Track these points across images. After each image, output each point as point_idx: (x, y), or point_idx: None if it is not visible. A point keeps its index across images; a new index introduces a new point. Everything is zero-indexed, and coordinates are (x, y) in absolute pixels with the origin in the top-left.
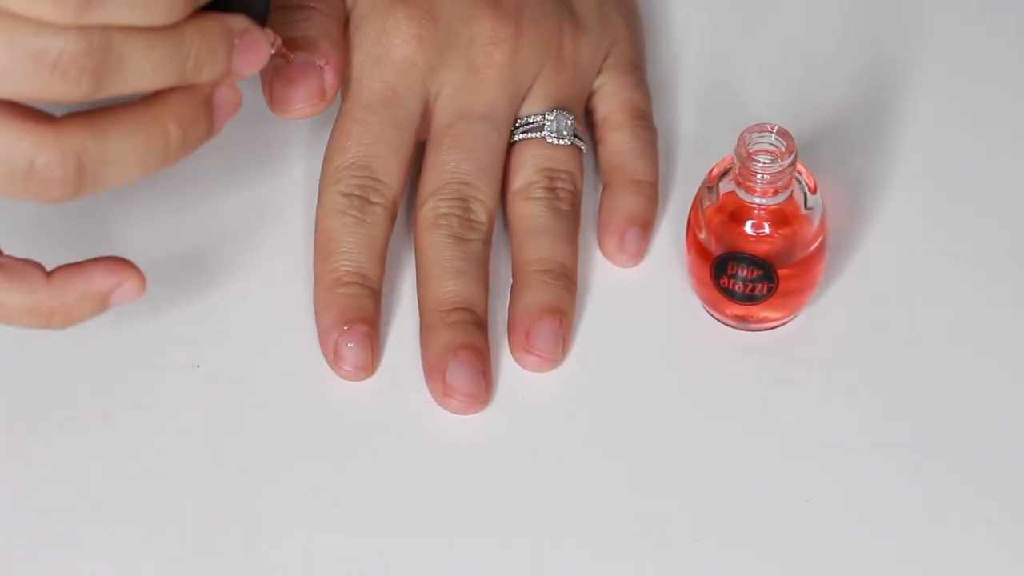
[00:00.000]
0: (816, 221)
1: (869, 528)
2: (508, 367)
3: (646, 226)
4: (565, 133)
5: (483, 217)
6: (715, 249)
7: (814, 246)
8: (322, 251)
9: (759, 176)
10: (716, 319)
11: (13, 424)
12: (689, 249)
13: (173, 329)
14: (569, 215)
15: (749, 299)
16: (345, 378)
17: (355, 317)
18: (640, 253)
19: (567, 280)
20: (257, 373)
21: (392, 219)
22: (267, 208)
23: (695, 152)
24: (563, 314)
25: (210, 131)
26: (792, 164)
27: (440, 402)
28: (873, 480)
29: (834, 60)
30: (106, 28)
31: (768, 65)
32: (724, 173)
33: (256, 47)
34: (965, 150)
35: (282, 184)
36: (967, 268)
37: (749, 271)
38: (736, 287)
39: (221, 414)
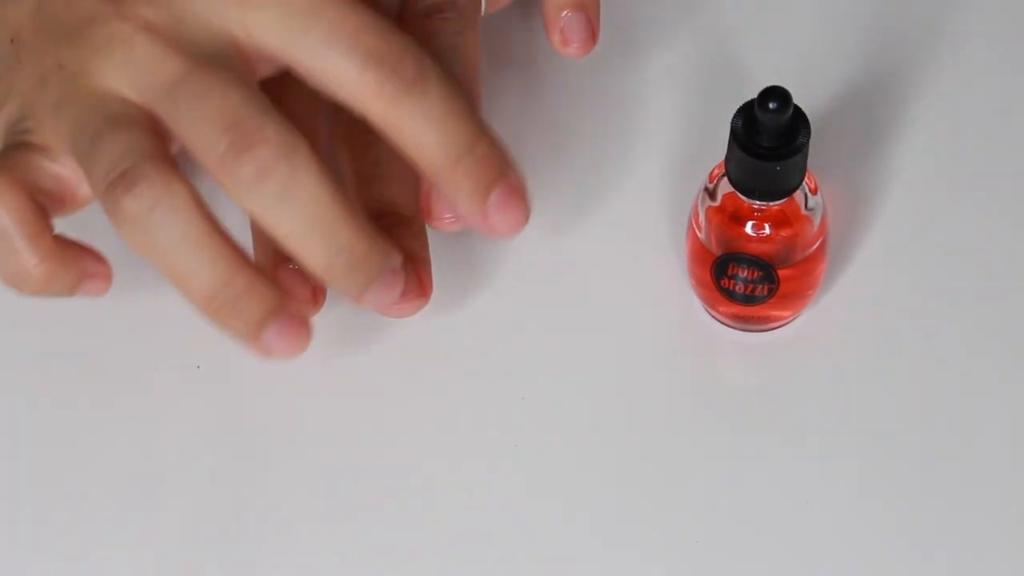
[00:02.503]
0: (817, 222)
1: (870, 529)
2: (508, 366)
3: (580, 6)
4: None
5: None
6: (715, 250)
7: (815, 247)
8: None
9: None
10: (716, 320)
11: (13, 423)
12: (689, 250)
13: (173, 329)
14: (453, 46)
15: (749, 300)
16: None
17: None
18: (587, 37)
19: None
20: (257, 373)
21: None
22: None
23: (695, 152)
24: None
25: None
26: None
27: (380, 312)
28: (874, 481)
29: (834, 60)
30: None
31: (768, 65)
32: (724, 174)
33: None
34: (966, 150)
35: None
36: (968, 268)
37: (750, 272)
38: (736, 288)
39: (221, 414)
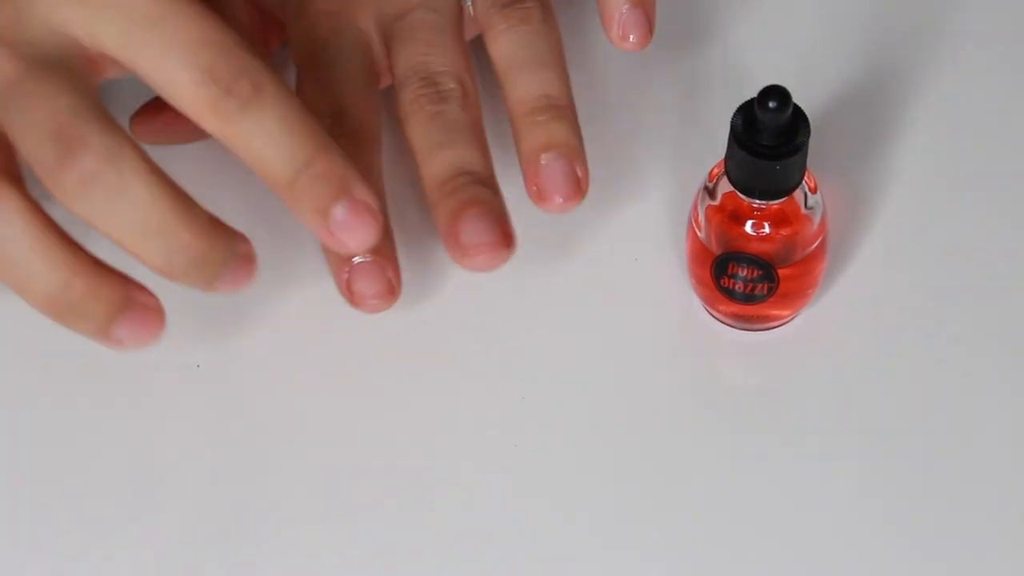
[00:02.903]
0: (816, 221)
1: (870, 529)
2: (508, 366)
3: (638, 2)
4: None
5: (452, 84)
6: (715, 249)
7: (814, 246)
8: None
9: None
10: (716, 319)
11: (13, 422)
12: (689, 249)
13: (173, 329)
14: (539, 32)
15: (749, 299)
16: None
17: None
18: (645, 32)
19: (559, 111)
20: (257, 373)
21: None
22: (267, 206)
23: (695, 152)
24: (566, 147)
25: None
26: None
27: (466, 266)
28: (874, 481)
29: (834, 60)
30: None
31: (768, 65)
32: (724, 173)
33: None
34: (966, 150)
35: None
36: (968, 268)
37: (749, 271)
38: (736, 287)
39: (221, 414)
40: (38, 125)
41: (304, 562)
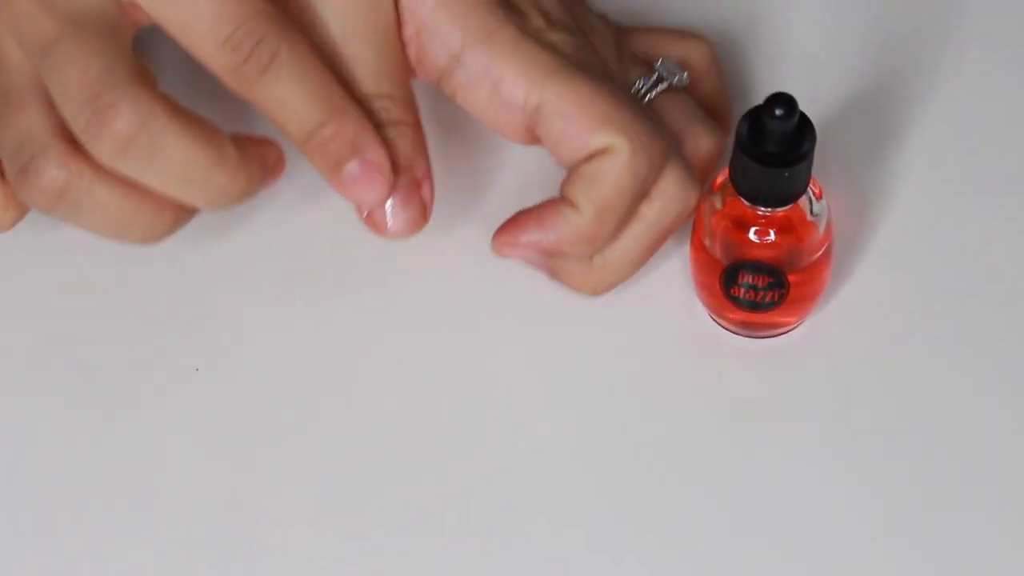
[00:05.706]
0: (822, 227)
1: (878, 536)
2: (510, 372)
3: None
4: None
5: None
6: (721, 256)
7: (820, 252)
8: None
9: None
10: (721, 326)
11: (13, 423)
12: (694, 257)
13: (173, 330)
14: None
15: (757, 307)
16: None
17: None
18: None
19: None
20: (256, 376)
21: None
22: (267, 207)
23: None
24: None
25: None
26: None
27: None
28: (882, 487)
29: (838, 65)
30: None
31: (771, 70)
32: (729, 180)
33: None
34: (970, 154)
35: (283, 183)
36: (975, 272)
37: (760, 279)
38: (746, 295)
39: (221, 415)
40: (72, 92)
41: (304, 562)
